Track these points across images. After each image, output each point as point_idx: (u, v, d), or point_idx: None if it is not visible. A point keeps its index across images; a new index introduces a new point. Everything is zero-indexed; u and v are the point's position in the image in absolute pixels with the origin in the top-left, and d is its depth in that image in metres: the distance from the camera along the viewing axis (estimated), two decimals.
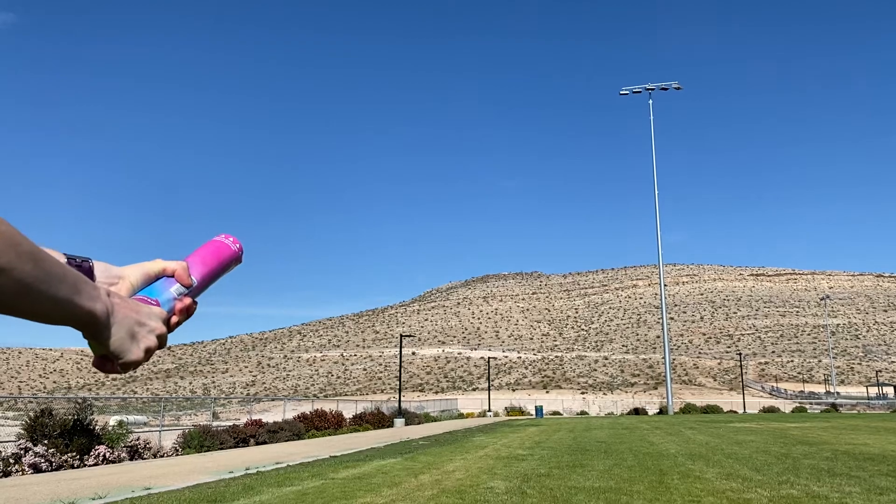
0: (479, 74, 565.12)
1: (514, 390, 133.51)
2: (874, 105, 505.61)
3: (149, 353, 1.13)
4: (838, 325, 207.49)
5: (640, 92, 78.58)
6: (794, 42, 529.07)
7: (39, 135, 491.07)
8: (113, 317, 1.06)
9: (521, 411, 79.33)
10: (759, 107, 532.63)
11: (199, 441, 23.27)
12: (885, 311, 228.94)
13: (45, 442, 17.48)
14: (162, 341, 1.16)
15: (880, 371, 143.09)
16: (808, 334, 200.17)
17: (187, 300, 1.27)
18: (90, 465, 17.80)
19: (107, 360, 1.10)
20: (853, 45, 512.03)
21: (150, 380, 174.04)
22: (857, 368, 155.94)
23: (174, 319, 1.24)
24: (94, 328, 1.05)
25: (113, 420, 23.84)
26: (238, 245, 1.39)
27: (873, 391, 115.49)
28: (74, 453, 17.69)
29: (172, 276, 1.26)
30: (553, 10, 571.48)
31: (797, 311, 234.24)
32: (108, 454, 18.58)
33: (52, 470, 16.62)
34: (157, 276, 1.26)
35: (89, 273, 1.16)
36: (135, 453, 20.33)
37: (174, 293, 1.25)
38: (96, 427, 19.58)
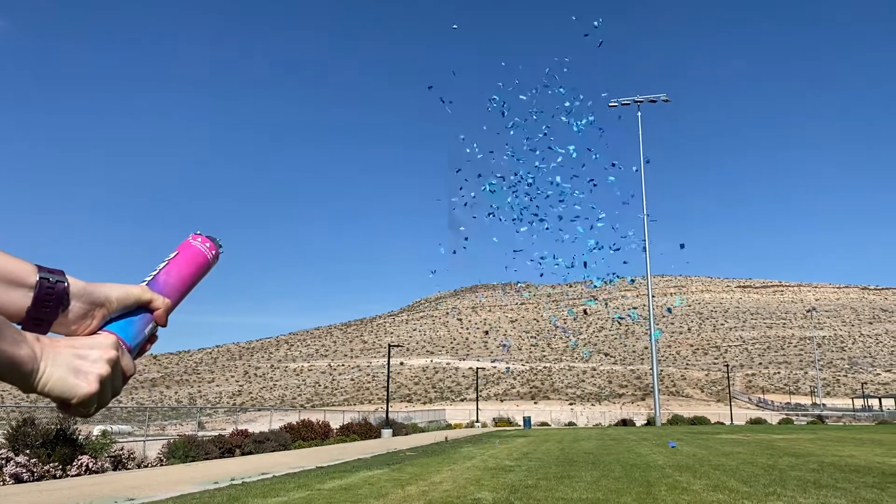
0: (465, 84, 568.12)
1: (502, 401, 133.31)
2: (860, 117, 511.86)
3: (104, 381, 1.01)
4: (824, 337, 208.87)
5: (628, 104, 79.03)
6: (776, 57, 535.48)
7: (32, 139, 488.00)
8: (43, 360, 0.95)
9: (509, 422, 79.16)
10: (745, 118, 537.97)
11: (183, 451, 23.04)
12: (871, 323, 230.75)
13: (28, 452, 17.24)
14: (115, 367, 1.04)
15: (866, 383, 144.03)
16: (795, 346, 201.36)
17: (155, 339, 1.19)
18: (73, 476, 17.56)
19: (65, 404, 0.99)
20: (835, 58, 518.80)
21: (135, 389, 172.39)
22: (842, 380, 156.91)
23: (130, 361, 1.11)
24: (21, 378, 0.93)
25: (97, 430, 23.55)
26: (214, 251, 1.26)
27: (859, 403, 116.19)
28: (57, 463, 17.46)
29: (151, 313, 1.15)
30: (543, 19, 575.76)
31: (784, 323, 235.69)
32: (91, 464, 18.35)
33: (33, 480, 16.39)
34: (137, 306, 1.13)
35: (63, 294, 1.03)
36: (118, 463, 20.09)
37: (147, 333, 1.15)
38: (79, 437, 19.35)
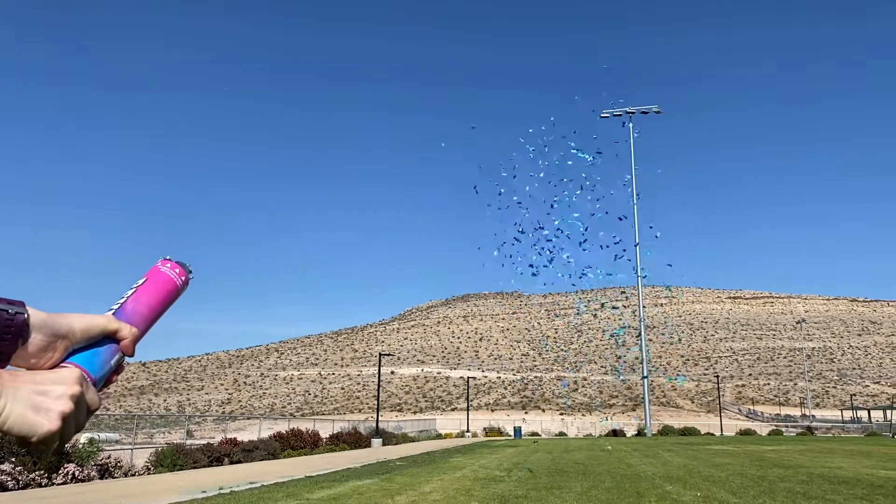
0: (452, 94, 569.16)
1: (493, 411, 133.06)
2: (852, 127, 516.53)
3: (66, 418, 0.96)
4: (813, 348, 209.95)
5: (620, 115, 79.47)
6: (768, 67, 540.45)
7: (22, 142, 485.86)
8: (2, 397, 0.91)
9: (499, 432, 79.06)
10: (737, 129, 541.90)
11: (171, 459, 22.86)
12: (860, 335, 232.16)
13: (13, 460, 17.06)
14: (79, 403, 0.99)
15: (854, 395, 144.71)
16: (784, 357, 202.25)
17: (122, 369, 1.15)
18: (59, 484, 17.39)
19: (26, 442, 0.95)
20: (827, 66, 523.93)
21: (123, 396, 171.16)
22: (831, 392, 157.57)
23: (98, 394, 1.06)
24: None
25: (83, 437, 23.34)
26: (184, 277, 1.22)
27: (848, 414, 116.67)
28: (43, 471, 17.28)
29: (118, 343, 1.11)
30: (534, 28, 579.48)
31: (773, 334, 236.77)
32: (77, 472, 18.17)
33: (18, 489, 16.21)
34: (103, 336, 1.09)
35: (23, 326, 0.98)
36: (105, 472, 19.90)
37: (114, 364, 1.10)
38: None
